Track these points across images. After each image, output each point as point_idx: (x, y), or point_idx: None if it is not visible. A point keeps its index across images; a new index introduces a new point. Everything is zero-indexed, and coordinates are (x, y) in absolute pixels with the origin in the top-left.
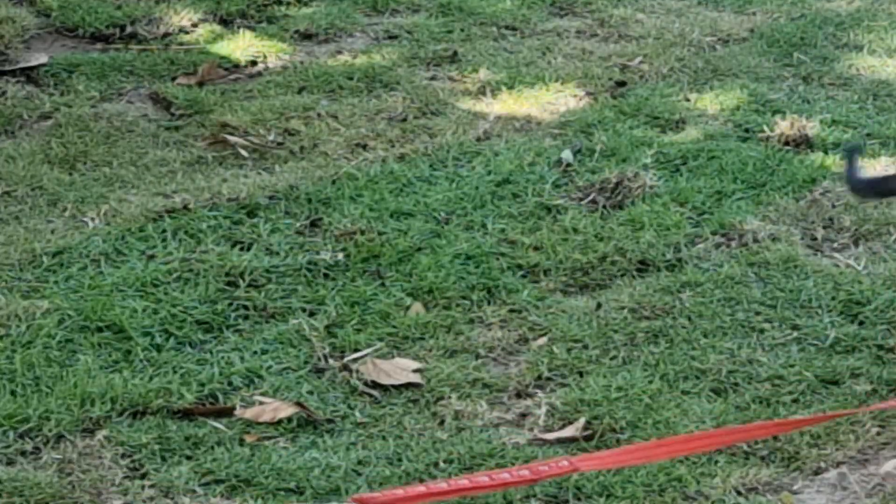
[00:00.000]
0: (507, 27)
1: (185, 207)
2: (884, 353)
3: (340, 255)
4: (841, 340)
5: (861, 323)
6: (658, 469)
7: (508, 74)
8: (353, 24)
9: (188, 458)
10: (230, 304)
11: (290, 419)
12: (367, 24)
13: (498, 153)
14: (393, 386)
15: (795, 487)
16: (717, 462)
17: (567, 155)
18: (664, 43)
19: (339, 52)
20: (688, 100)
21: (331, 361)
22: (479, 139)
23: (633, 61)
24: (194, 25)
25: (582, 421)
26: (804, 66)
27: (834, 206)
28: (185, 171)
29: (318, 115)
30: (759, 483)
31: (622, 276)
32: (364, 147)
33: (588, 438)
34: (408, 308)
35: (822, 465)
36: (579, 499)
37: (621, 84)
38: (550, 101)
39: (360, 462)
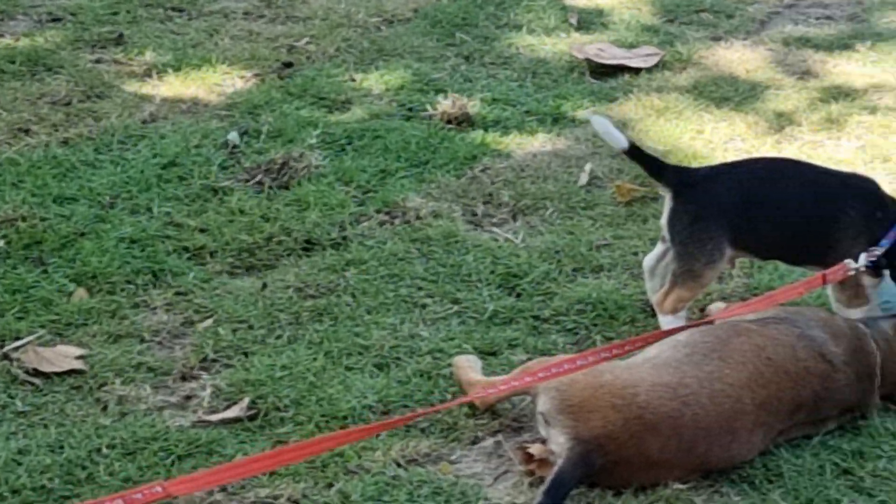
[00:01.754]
0: (173, 9)
1: None
2: (539, 324)
3: (1, 243)
4: (499, 312)
5: (518, 295)
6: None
7: (175, 56)
8: (14, 7)
9: None
10: None
11: None
12: (30, 6)
13: (164, 136)
14: (55, 373)
15: (454, 457)
16: (378, 436)
17: (233, 136)
18: (330, 24)
19: (1, 36)
20: (353, 80)
21: None
22: (144, 122)
23: (300, 42)
24: None
25: (246, 401)
26: (466, 46)
27: (493, 183)
28: None
29: None
30: (418, 455)
31: (288, 255)
32: (26, 132)
33: (252, 418)
34: (71, 294)
35: (480, 434)
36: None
37: (288, 65)
38: (217, 82)
39: (20, 451)
